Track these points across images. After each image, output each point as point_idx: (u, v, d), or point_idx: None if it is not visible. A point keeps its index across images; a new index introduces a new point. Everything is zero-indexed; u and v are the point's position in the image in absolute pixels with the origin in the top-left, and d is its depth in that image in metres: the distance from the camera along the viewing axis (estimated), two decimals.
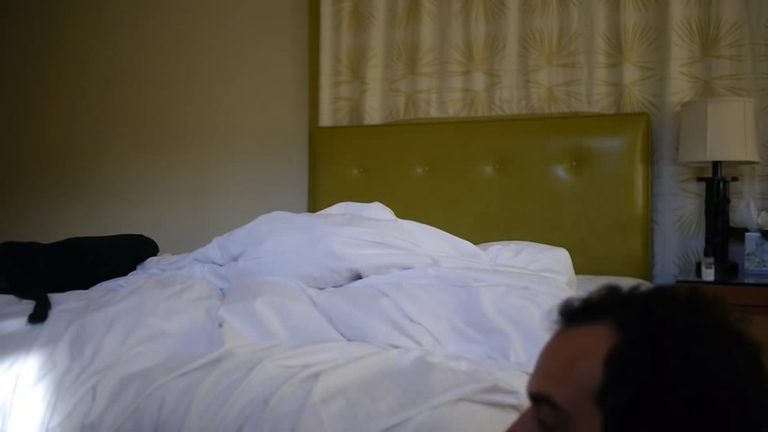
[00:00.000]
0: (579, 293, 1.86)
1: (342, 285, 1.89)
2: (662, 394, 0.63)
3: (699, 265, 2.63)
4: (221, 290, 1.95)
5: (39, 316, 1.69)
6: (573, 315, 0.72)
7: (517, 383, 1.28)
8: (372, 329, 1.59)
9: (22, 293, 1.93)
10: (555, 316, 0.73)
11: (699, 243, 2.81)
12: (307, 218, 2.08)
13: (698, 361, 0.64)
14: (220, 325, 1.61)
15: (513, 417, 1.22)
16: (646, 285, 0.72)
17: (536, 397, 0.71)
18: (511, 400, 1.26)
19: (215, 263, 2.10)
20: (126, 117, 3.88)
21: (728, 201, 2.73)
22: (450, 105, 3.23)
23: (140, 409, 1.35)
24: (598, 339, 0.67)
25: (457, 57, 3.21)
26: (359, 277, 1.89)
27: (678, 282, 2.55)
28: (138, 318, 1.62)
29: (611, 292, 0.71)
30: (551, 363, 0.71)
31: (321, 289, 1.86)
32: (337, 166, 3.28)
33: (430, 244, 1.99)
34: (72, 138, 3.99)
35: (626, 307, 0.68)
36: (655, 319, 0.66)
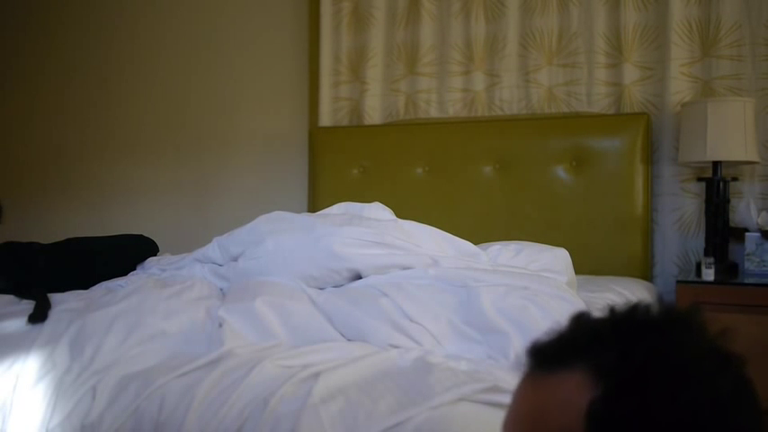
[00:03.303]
0: (579, 295, 1.84)
1: (342, 285, 1.89)
2: None
3: (699, 265, 2.63)
4: (221, 290, 1.96)
5: (39, 316, 1.69)
6: (542, 359, 0.67)
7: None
8: (372, 329, 1.59)
9: (21, 293, 1.93)
10: (524, 358, 0.68)
11: (699, 243, 2.81)
12: (307, 218, 2.08)
13: (685, 407, 0.60)
14: (220, 325, 1.61)
15: None
16: (616, 308, 0.67)
17: None
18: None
19: (215, 263, 2.10)
20: (125, 117, 3.88)
21: (728, 201, 2.73)
22: (450, 105, 3.23)
23: (140, 409, 1.35)
24: (575, 390, 0.62)
25: (457, 57, 3.21)
26: (359, 277, 1.89)
27: (678, 282, 2.55)
28: (138, 318, 1.62)
29: (581, 328, 0.67)
30: (527, 416, 0.67)
31: (321, 289, 1.86)
32: (337, 166, 3.28)
33: (430, 244, 1.99)
34: (72, 138, 3.99)
35: (600, 348, 0.63)
36: (633, 363, 0.61)
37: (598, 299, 2.06)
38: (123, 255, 2.31)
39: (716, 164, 2.65)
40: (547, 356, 0.67)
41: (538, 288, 1.71)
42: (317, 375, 1.31)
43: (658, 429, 0.59)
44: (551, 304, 1.61)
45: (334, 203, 2.25)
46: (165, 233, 2.93)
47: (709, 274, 2.52)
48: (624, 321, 0.65)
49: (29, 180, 4.08)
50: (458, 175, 3.07)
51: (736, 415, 0.62)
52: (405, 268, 1.86)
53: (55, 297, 1.88)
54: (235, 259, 2.05)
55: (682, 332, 0.64)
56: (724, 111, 2.58)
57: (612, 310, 0.67)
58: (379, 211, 2.17)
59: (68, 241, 2.33)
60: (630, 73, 2.93)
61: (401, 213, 2.21)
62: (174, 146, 3.78)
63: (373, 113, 3.35)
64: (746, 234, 2.65)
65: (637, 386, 0.60)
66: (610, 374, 0.62)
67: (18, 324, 1.68)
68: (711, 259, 2.54)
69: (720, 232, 2.67)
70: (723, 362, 0.63)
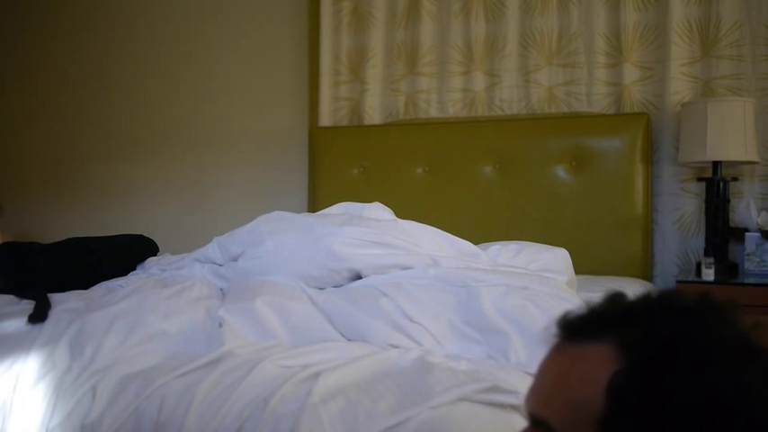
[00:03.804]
0: (579, 295, 1.84)
1: (342, 285, 1.89)
2: (669, 425, 0.59)
3: (699, 265, 2.63)
4: (221, 290, 1.95)
5: (39, 316, 1.69)
6: (573, 330, 0.67)
7: (517, 383, 1.28)
8: (372, 329, 1.59)
9: (22, 293, 1.93)
10: (554, 329, 0.69)
11: (699, 243, 2.81)
12: (306, 218, 2.08)
13: (708, 387, 0.60)
14: (220, 325, 1.61)
15: (513, 416, 1.22)
16: (652, 292, 0.68)
17: (535, 419, 0.68)
18: (511, 399, 1.26)
19: (215, 263, 2.10)
20: (125, 117, 3.88)
21: (728, 201, 2.73)
22: (450, 105, 3.23)
23: (140, 409, 1.35)
24: (600, 362, 0.63)
25: (457, 57, 3.21)
26: (359, 277, 1.89)
27: (678, 282, 2.55)
28: (138, 318, 1.62)
29: (614, 304, 0.67)
30: (550, 384, 0.68)
31: (321, 289, 1.86)
32: (337, 166, 3.28)
33: (430, 244, 1.99)
34: (73, 138, 3.99)
35: (629, 324, 0.64)
36: (660, 341, 0.61)
37: (598, 299, 2.06)
38: (123, 255, 2.31)
39: (716, 164, 2.65)
40: (576, 329, 0.67)
41: (538, 288, 1.71)
42: (317, 375, 1.31)
43: (677, 407, 0.59)
44: (551, 304, 1.61)
45: (334, 203, 2.25)
46: (165, 233, 2.93)
47: (709, 274, 2.52)
48: (657, 303, 0.66)
49: (29, 181, 4.08)
50: (458, 175, 3.08)
51: (762, 405, 0.61)
52: (405, 268, 1.86)
53: (55, 297, 1.88)
54: (235, 259, 2.05)
55: (713, 319, 0.64)
56: (724, 111, 2.58)
57: (649, 294, 0.67)
58: (379, 212, 2.17)
59: (68, 241, 2.33)
60: (630, 73, 2.93)
61: (401, 213, 2.21)
62: (174, 146, 3.78)
63: (373, 113, 3.35)
64: (746, 234, 2.66)
65: (660, 363, 0.60)
66: (635, 349, 0.62)
67: (18, 324, 1.68)
68: (711, 259, 2.54)
69: (720, 232, 2.67)
70: (752, 352, 0.63)
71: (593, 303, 0.69)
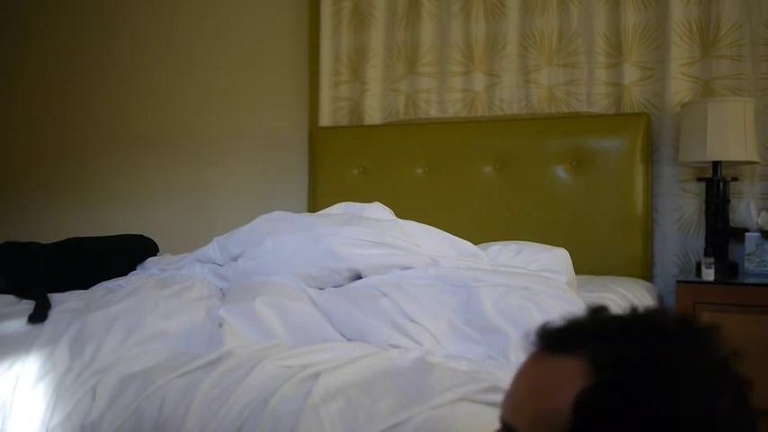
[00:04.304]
0: (579, 295, 1.84)
1: (342, 285, 1.89)
2: None
3: (699, 265, 2.63)
4: (221, 290, 1.96)
5: (39, 316, 1.69)
6: (550, 341, 0.68)
7: None
8: (372, 329, 1.59)
9: (22, 293, 1.93)
10: (532, 337, 0.69)
11: (699, 243, 2.81)
12: (307, 218, 2.08)
13: (670, 414, 0.60)
14: (220, 325, 1.61)
15: None
16: (636, 309, 0.68)
17: (506, 426, 0.69)
18: None
19: (215, 263, 2.10)
20: (125, 117, 3.88)
21: (728, 201, 2.73)
22: (450, 105, 3.23)
23: (140, 409, 1.35)
24: (570, 377, 0.63)
25: (457, 57, 3.21)
26: (359, 277, 1.90)
27: (678, 282, 2.55)
28: (138, 318, 1.62)
29: (594, 319, 0.68)
30: (523, 393, 0.69)
31: (321, 289, 1.86)
32: (337, 166, 3.28)
33: (430, 244, 1.99)
34: (72, 138, 3.99)
35: (604, 342, 0.64)
36: (630, 362, 0.62)
37: (598, 299, 2.06)
38: (123, 255, 2.31)
39: (716, 164, 2.65)
40: (553, 340, 0.68)
41: (538, 288, 1.71)
42: (316, 375, 1.31)
43: (638, 427, 0.60)
44: (551, 304, 1.61)
45: (334, 203, 2.25)
46: (165, 233, 2.93)
47: (709, 274, 2.52)
48: (636, 322, 0.66)
49: (29, 181, 4.08)
50: (458, 175, 3.08)
51: None
52: (405, 268, 1.86)
53: (55, 297, 1.88)
54: (235, 259, 2.05)
55: (688, 343, 0.64)
56: (724, 111, 2.58)
57: (633, 310, 0.67)
58: (379, 211, 2.17)
59: (68, 241, 2.33)
60: (630, 73, 2.93)
61: (401, 213, 2.21)
62: (174, 146, 3.78)
63: (373, 113, 3.35)
64: (746, 234, 2.65)
65: (626, 384, 0.61)
66: (605, 367, 0.62)
67: (18, 324, 1.68)
68: (711, 259, 2.54)
69: (720, 232, 2.67)
70: (726, 381, 0.63)
71: (573, 316, 0.69)
